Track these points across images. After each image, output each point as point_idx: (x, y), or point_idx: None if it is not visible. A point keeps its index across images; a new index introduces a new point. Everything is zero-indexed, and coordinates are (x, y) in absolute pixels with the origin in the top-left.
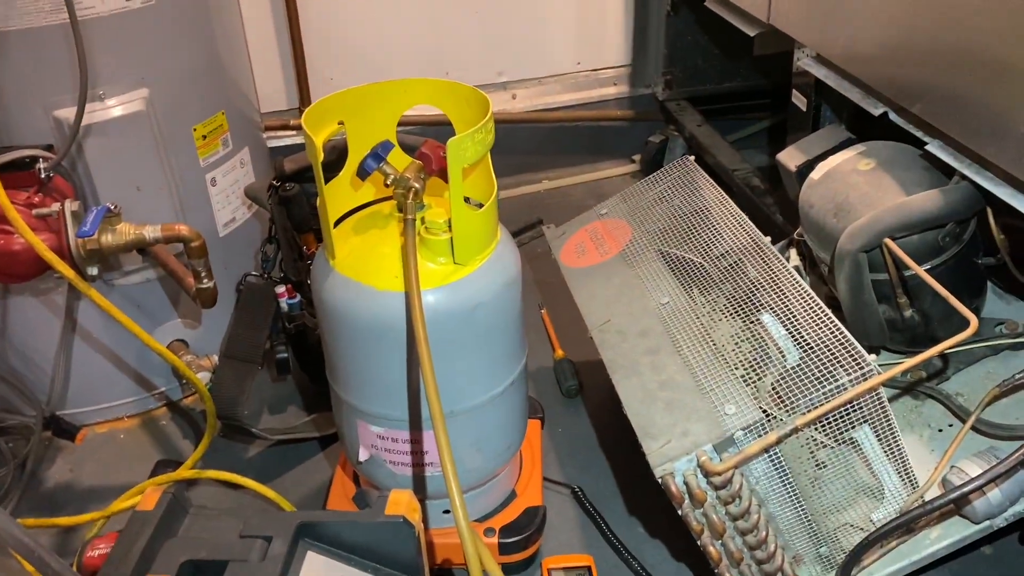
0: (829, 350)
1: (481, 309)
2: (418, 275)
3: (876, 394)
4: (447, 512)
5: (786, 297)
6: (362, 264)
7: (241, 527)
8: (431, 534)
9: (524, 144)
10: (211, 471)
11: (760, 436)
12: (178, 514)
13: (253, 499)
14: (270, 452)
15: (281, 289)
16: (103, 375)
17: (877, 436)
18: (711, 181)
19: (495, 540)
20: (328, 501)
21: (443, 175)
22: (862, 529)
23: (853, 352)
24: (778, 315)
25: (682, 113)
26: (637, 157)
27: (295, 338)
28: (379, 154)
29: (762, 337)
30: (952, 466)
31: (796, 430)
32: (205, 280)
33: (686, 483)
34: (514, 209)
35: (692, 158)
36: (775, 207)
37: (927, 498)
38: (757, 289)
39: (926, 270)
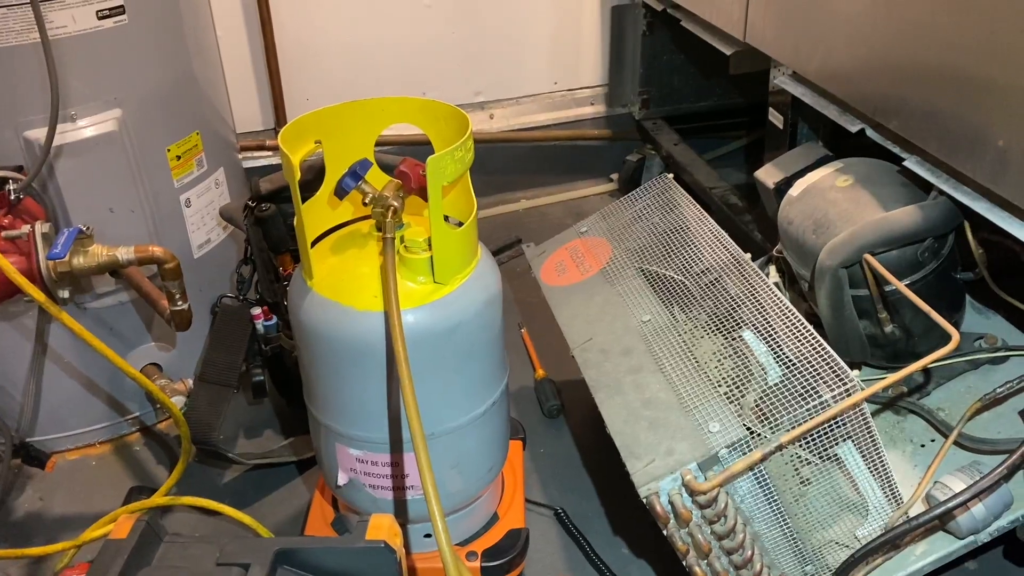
0: (812, 366)
1: (462, 328)
2: (398, 295)
3: (860, 410)
4: (428, 536)
5: (767, 314)
6: (341, 284)
7: (217, 555)
8: (413, 559)
9: (502, 164)
10: (186, 497)
11: (745, 454)
12: (152, 542)
13: (230, 525)
14: (247, 477)
15: (257, 311)
16: (75, 400)
17: (861, 452)
18: (690, 199)
19: (478, 564)
20: (306, 526)
21: (422, 194)
22: (847, 546)
23: (836, 368)
24: (760, 332)
25: (659, 132)
26: (615, 176)
27: (272, 361)
28: (357, 172)
29: (744, 354)
30: (936, 481)
31: (781, 447)
32: (180, 302)
33: (671, 502)
34: (493, 228)
35: (671, 176)
36: (753, 224)
37: (912, 514)
38: (738, 306)
39: (906, 285)
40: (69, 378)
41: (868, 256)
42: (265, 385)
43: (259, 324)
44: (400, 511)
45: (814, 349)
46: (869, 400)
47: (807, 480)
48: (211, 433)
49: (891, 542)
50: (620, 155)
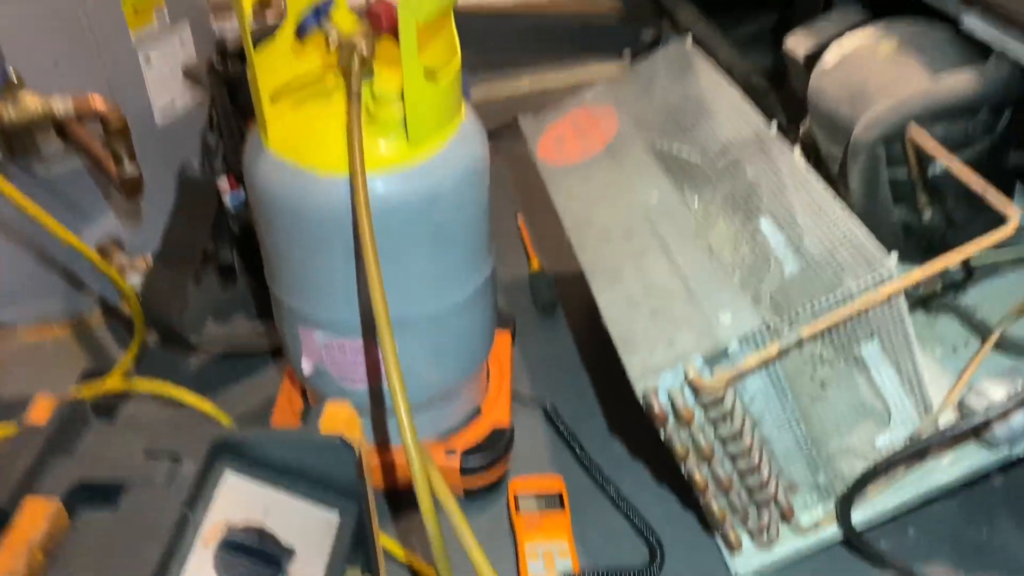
0: (843, 251)
1: (440, 201)
2: (363, 156)
3: (895, 302)
4: None
5: (795, 192)
6: (301, 144)
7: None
8: (392, 453)
9: (504, 40)
10: (142, 381)
11: (759, 348)
12: (76, 428)
13: (192, 415)
14: (214, 365)
15: (223, 183)
16: (28, 275)
17: (891, 351)
18: (712, 65)
19: (456, 462)
20: (273, 417)
21: (396, 35)
22: (865, 456)
23: (870, 254)
24: (781, 218)
25: (678, 8)
26: (627, 55)
27: (241, 239)
28: (320, 10)
29: (763, 242)
30: (971, 387)
31: (801, 341)
32: (128, 166)
33: (671, 400)
34: (492, 111)
35: (690, 38)
36: (778, 107)
37: (942, 423)
38: (761, 183)
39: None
40: (20, 250)
41: (914, 127)
42: (234, 266)
43: (226, 198)
44: (377, 402)
45: (846, 232)
46: None
47: (824, 382)
48: (170, 316)
49: (918, 453)
50: (634, 34)
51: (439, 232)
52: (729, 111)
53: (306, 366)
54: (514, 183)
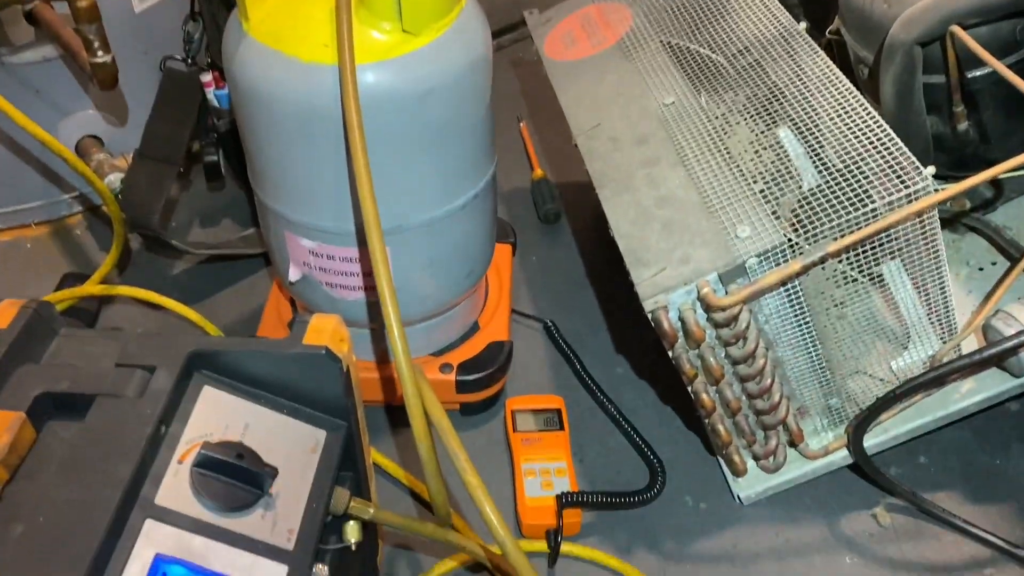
0: (873, 163)
1: (436, 95)
2: (352, 43)
3: (929, 219)
4: None
5: (822, 98)
6: (284, 29)
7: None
8: (391, 368)
9: None
10: (123, 287)
11: (779, 265)
12: (42, 336)
13: (176, 322)
14: (201, 270)
15: (207, 77)
16: (3, 172)
17: (916, 271)
18: None
19: (452, 377)
20: (260, 327)
21: None
22: (881, 379)
23: (903, 167)
24: (809, 120)
25: None
26: None
27: (226, 137)
28: None
29: (787, 148)
30: (998, 311)
31: (825, 258)
32: (100, 53)
33: (682, 319)
34: (495, 7)
35: None
36: (799, 10)
37: (964, 349)
38: (786, 86)
39: (991, 71)
40: None
41: (956, 28)
42: (220, 167)
43: (210, 93)
44: (374, 314)
45: (877, 143)
46: None
47: (843, 302)
48: (150, 217)
49: (936, 379)
50: None
51: (435, 129)
52: (753, 6)
53: (293, 274)
54: (518, 91)
